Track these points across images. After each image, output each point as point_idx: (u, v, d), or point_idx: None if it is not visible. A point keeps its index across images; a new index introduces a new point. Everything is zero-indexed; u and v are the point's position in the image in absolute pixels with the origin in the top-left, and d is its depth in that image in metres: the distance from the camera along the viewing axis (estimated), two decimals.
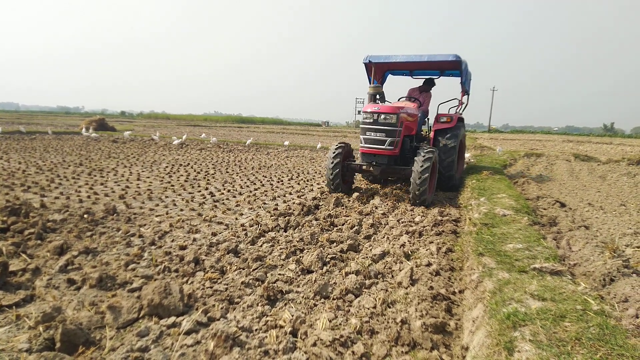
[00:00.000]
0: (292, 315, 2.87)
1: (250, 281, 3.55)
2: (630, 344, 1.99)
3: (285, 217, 5.87)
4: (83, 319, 2.77)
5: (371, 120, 7.35)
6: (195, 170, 10.58)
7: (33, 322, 2.69)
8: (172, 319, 2.80)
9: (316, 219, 5.88)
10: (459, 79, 8.77)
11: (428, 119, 9.15)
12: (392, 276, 3.82)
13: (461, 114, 8.86)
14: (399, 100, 8.80)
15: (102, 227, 5.04)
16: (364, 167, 7.78)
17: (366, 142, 7.50)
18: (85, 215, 5.35)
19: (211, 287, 3.38)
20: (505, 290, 2.59)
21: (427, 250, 4.51)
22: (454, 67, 8.65)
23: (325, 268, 3.96)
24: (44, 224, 4.80)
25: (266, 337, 2.60)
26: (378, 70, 9.10)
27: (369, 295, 3.36)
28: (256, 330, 2.75)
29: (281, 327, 2.77)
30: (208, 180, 9.17)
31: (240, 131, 37.32)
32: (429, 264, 4.05)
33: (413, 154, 7.80)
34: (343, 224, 5.65)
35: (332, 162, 7.68)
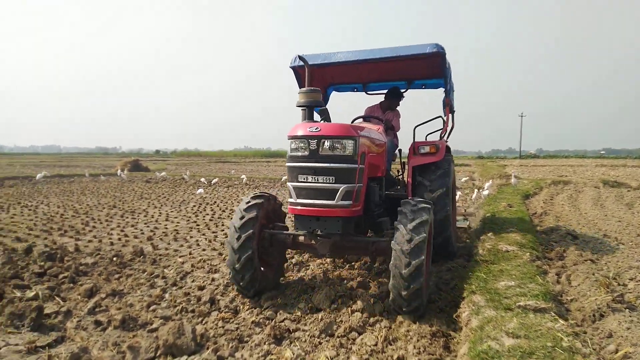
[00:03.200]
0: (294, 354, 3.09)
1: (261, 320, 3.80)
2: None
3: (301, 254, 6.12)
4: (106, 359, 3.08)
5: (306, 153, 3.97)
6: (220, 209, 11.02)
7: None
8: (184, 358, 3.07)
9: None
10: (435, 90, 6.30)
11: (400, 150, 5.98)
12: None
13: (447, 140, 5.89)
14: (353, 122, 5.61)
15: (130, 269, 5.42)
16: (301, 239, 4.47)
17: (299, 195, 4.07)
18: (115, 258, 5.75)
19: (223, 327, 3.65)
20: (486, 328, 2.74)
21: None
22: (434, 68, 5.58)
23: (333, 306, 4.14)
24: (77, 267, 5.22)
25: None
26: (317, 80, 5.89)
27: (372, 332, 3.54)
28: None
29: None
30: (232, 218, 9.52)
31: (268, 166, 38.10)
32: (434, 300, 4.20)
33: (385, 210, 4.90)
34: (356, 261, 5.83)
35: (237, 236, 4.28)
